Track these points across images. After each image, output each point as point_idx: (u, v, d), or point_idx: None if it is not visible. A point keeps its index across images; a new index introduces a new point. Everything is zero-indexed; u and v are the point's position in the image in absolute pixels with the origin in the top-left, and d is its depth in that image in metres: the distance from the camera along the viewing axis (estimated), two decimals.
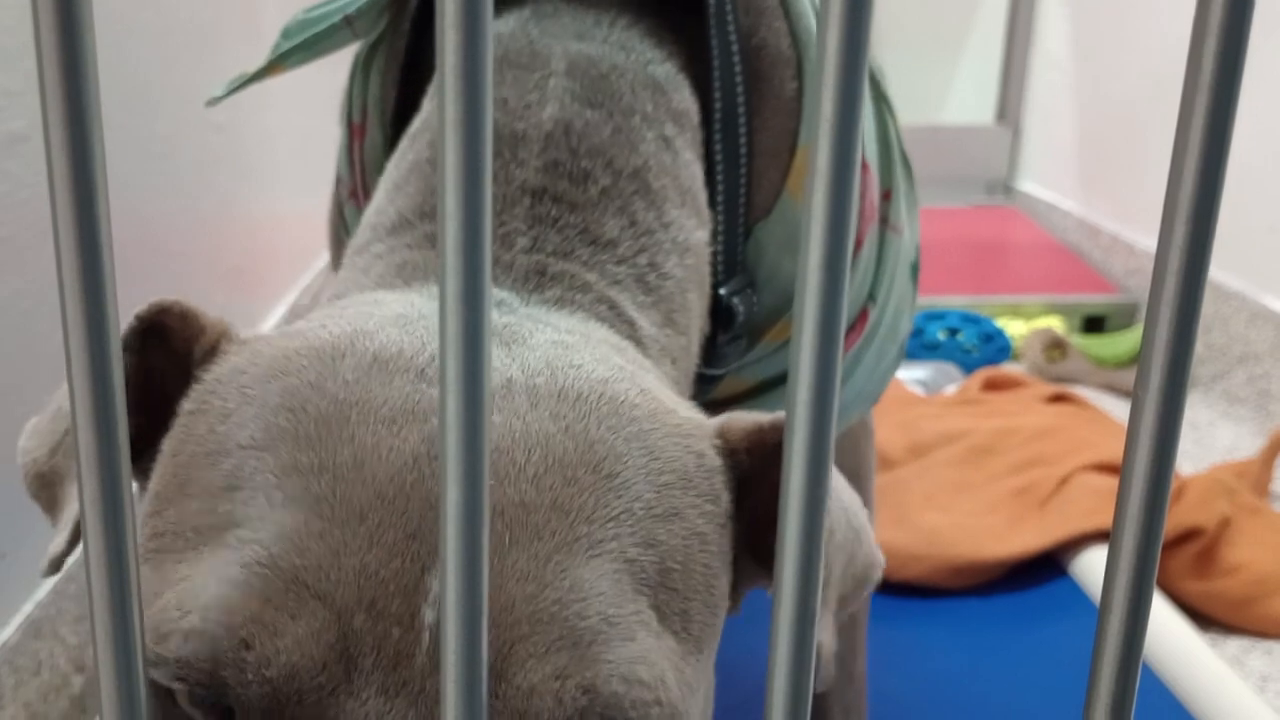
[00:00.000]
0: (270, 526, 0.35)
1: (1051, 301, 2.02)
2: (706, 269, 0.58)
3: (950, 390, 1.69)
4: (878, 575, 0.51)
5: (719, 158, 0.58)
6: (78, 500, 0.29)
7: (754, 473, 0.43)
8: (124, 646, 0.24)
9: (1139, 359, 0.24)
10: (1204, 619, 1.18)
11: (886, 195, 0.69)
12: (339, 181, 0.73)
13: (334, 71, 0.88)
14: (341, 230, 0.72)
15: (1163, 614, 1.10)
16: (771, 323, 0.62)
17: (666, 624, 0.38)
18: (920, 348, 1.86)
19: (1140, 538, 0.24)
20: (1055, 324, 1.94)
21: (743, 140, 0.59)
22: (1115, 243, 2.21)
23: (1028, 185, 2.75)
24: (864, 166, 0.66)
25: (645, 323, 0.52)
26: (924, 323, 1.91)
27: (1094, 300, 2.04)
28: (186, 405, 0.42)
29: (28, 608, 0.94)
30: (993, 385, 1.63)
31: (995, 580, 1.19)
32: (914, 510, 1.26)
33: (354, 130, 0.69)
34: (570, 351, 0.43)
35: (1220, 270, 1.85)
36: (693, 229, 0.56)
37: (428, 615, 0.34)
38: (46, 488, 0.48)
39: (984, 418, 1.47)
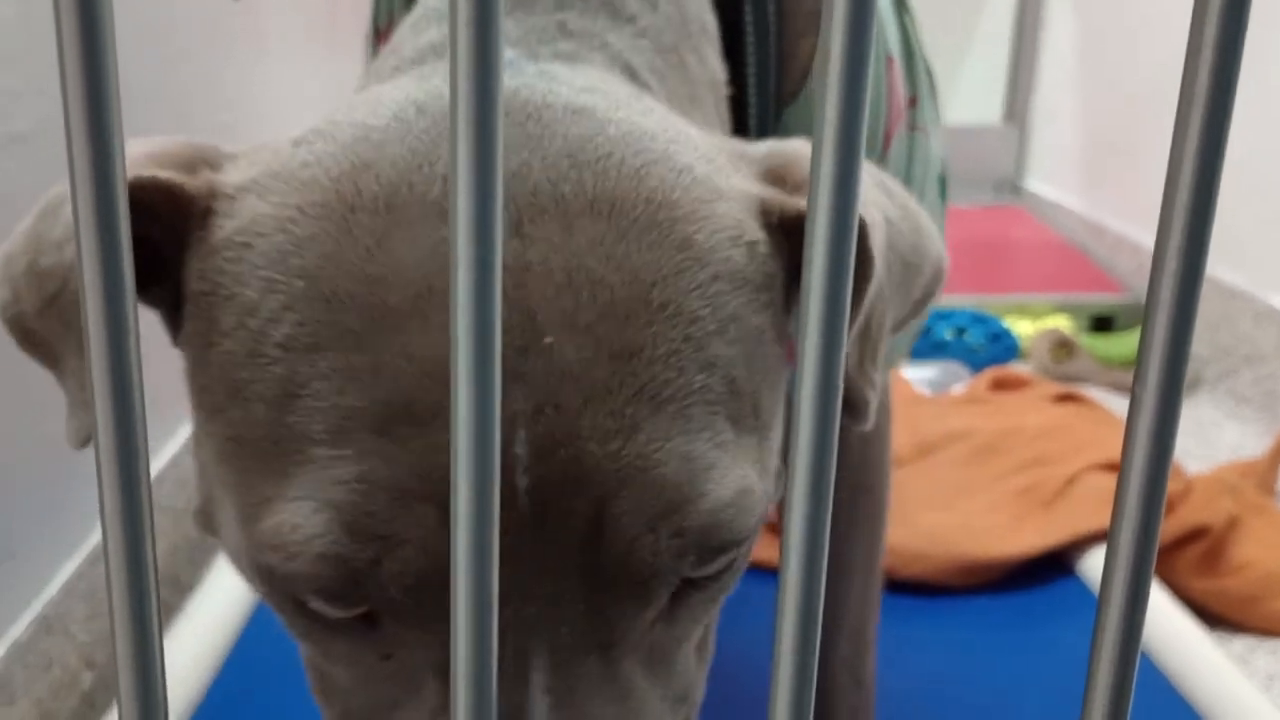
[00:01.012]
0: (351, 442, 0.35)
1: (1059, 301, 2.02)
2: (726, 113, 0.56)
3: (957, 389, 1.69)
4: (944, 278, 0.50)
5: (750, 32, 0.57)
6: (87, 385, 0.27)
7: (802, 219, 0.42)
8: (142, 638, 0.24)
9: (1139, 355, 0.24)
10: (1210, 617, 1.18)
11: (912, 101, 0.68)
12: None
13: (337, 73, 0.88)
14: None
15: (1169, 612, 1.10)
16: None
17: (741, 427, 0.39)
18: (927, 347, 1.86)
19: (1138, 531, 0.24)
20: (1063, 323, 1.94)
21: (772, 16, 0.58)
22: (1122, 242, 2.21)
23: (1035, 185, 2.75)
24: (889, 61, 0.65)
25: (664, 94, 0.50)
26: (931, 322, 1.91)
27: (1101, 300, 2.04)
28: (196, 282, 0.39)
29: (38, 605, 0.94)
30: (1000, 385, 1.63)
31: (1000, 580, 1.19)
32: (918, 509, 1.26)
33: (380, 37, 0.68)
34: (594, 127, 0.40)
35: (1226, 270, 1.84)
36: (712, 57, 0.54)
37: (521, 481, 0.35)
38: (37, 345, 0.45)
39: (990, 417, 1.47)
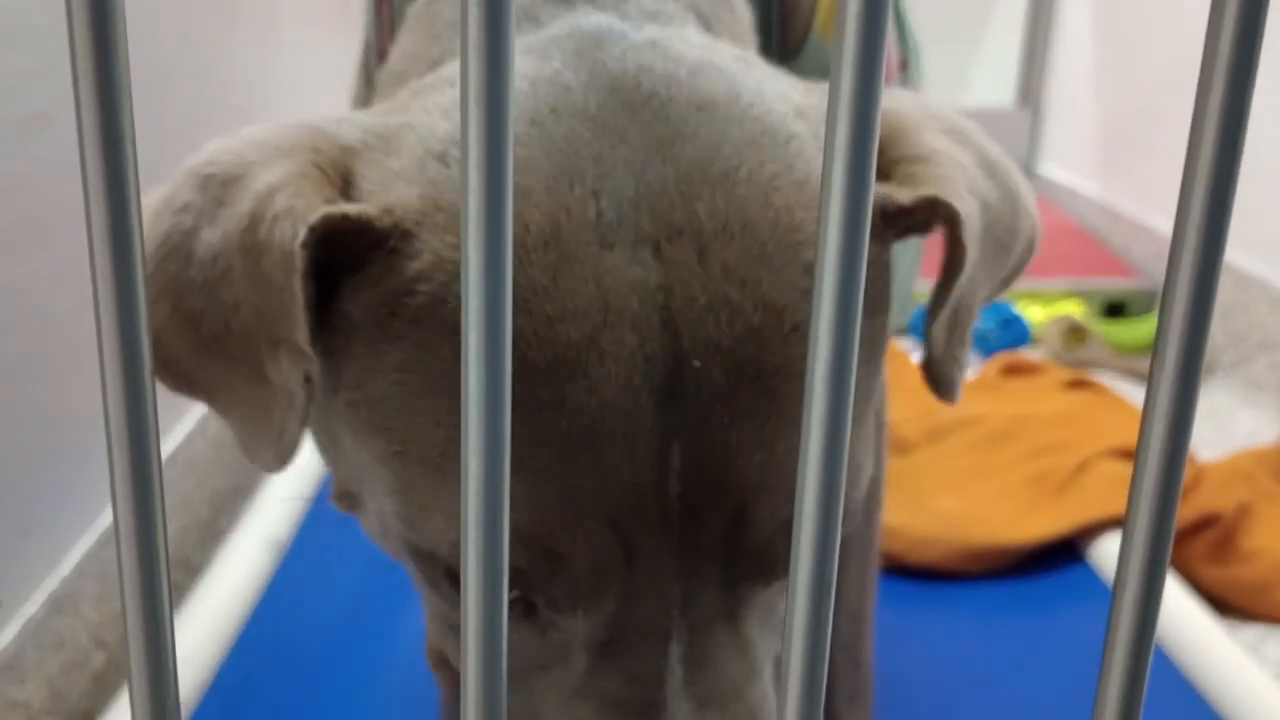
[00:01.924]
0: (528, 468, 0.38)
1: (1071, 286, 2.01)
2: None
3: (968, 375, 1.69)
4: (1036, 248, 0.51)
5: None
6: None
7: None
8: (153, 619, 0.24)
9: (1156, 341, 0.24)
10: (1222, 605, 1.18)
11: (903, 64, 0.69)
12: (367, 48, 0.71)
13: (352, 54, 0.87)
14: (366, 93, 0.70)
15: (1180, 600, 1.10)
16: None
17: (858, 425, 0.44)
18: None
19: (1154, 515, 0.24)
20: (1075, 309, 1.93)
21: None
22: (1136, 227, 2.20)
23: (1048, 169, 2.73)
24: None
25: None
26: None
27: (1115, 285, 2.03)
28: (366, 312, 0.41)
29: (50, 584, 0.95)
30: (1011, 371, 1.62)
31: (1011, 566, 1.19)
32: (929, 495, 1.26)
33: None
34: (720, 130, 0.41)
35: (1242, 256, 1.83)
36: (740, 5, 0.56)
37: (674, 488, 0.39)
38: (190, 384, 0.46)
39: (1001, 403, 1.47)
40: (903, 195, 0.43)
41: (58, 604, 0.95)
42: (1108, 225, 2.33)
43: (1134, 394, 1.68)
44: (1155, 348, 0.24)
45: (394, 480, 0.42)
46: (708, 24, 0.52)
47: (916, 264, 0.81)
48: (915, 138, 0.45)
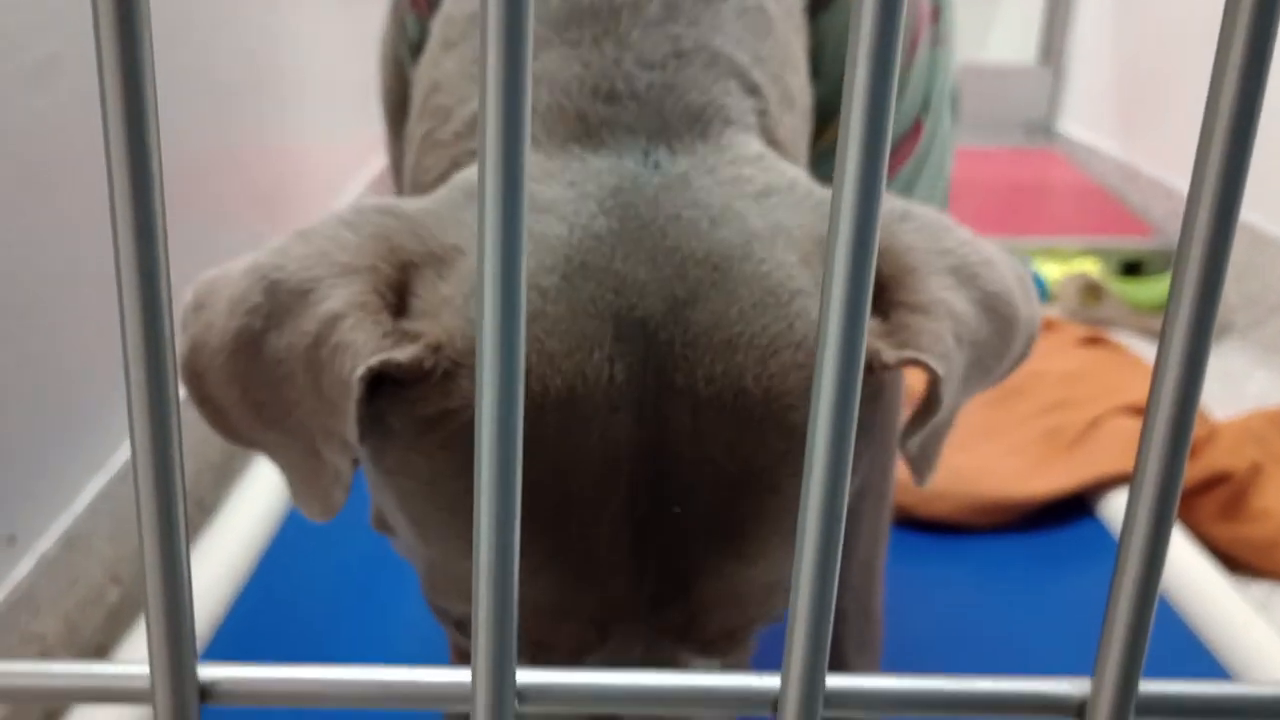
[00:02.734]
0: (531, 583, 0.45)
1: (1088, 244, 2.00)
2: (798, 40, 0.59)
3: None
4: (1032, 347, 0.54)
5: None
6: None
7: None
8: (170, 553, 0.24)
9: (1169, 296, 0.23)
10: (1231, 562, 1.18)
11: (935, 13, 0.69)
12: (396, 4, 0.72)
13: (358, 19, 0.87)
14: (402, 48, 0.70)
15: (1190, 557, 1.10)
16: (827, 123, 0.62)
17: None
18: None
19: (1162, 468, 0.24)
20: (1092, 267, 1.92)
21: None
22: (1155, 186, 2.18)
23: (1068, 127, 2.71)
24: None
25: (771, 94, 0.54)
26: None
27: (1132, 244, 2.01)
28: (404, 423, 0.46)
29: (65, 521, 0.95)
30: None
31: (1021, 520, 1.19)
32: None
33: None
34: (730, 293, 0.45)
35: (1258, 217, 1.82)
36: None
37: (645, 593, 0.45)
38: (253, 445, 0.51)
39: None
40: (889, 355, 0.46)
41: (72, 541, 0.96)
42: (1126, 184, 2.31)
43: (1149, 352, 1.67)
44: (1169, 303, 0.23)
45: (419, 552, 0.49)
46: (766, 123, 0.54)
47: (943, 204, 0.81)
48: (917, 284, 0.48)
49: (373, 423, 0.46)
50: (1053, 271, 1.91)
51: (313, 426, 0.46)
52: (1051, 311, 1.79)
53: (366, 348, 0.43)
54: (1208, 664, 0.97)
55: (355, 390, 0.43)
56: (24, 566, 0.90)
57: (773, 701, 0.22)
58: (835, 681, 0.22)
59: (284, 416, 0.47)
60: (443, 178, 0.54)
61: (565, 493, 0.43)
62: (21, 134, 0.89)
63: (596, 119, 0.50)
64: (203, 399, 0.49)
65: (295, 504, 0.49)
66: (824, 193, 0.50)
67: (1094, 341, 1.51)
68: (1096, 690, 0.22)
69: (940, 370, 0.46)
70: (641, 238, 0.46)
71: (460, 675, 0.23)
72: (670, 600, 0.45)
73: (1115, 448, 1.23)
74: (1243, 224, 1.84)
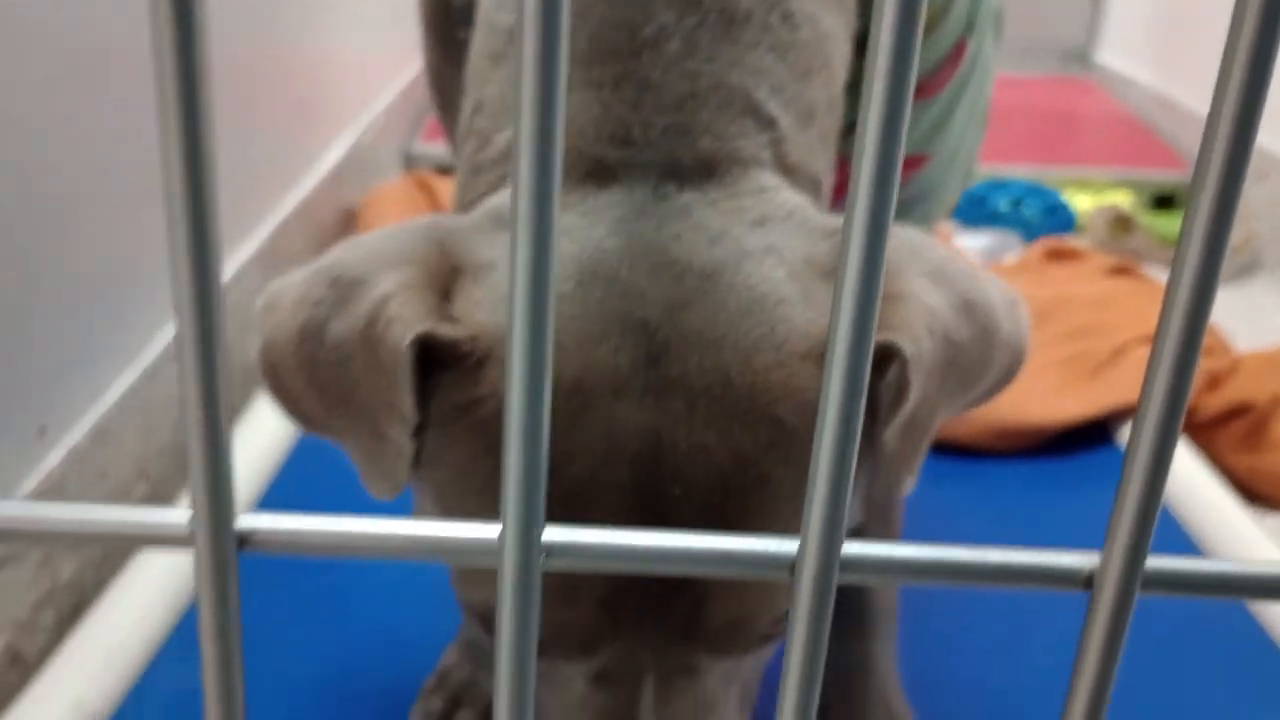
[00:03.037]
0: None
1: (1121, 176, 1.98)
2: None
3: (1010, 259, 1.67)
4: (1020, 367, 0.56)
5: None
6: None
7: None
8: (213, 429, 0.25)
9: (1185, 215, 0.24)
10: (1250, 493, 1.18)
11: None
12: None
13: None
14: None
15: (1207, 485, 1.11)
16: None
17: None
18: (982, 217, 1.84)
19: (1170, 383, 0.24)
20: (1123, 199, 1.90)
21: None
22: (1191, 118, 2.15)
23: (1105, 56, 2.66)
24: None
25: (786, 121, 0.57)
26: (987, 192, 1.88)
27: (1164, 177, 1.99)
28: (440, 411, 0.50)
29: (94, 416, 0.97)
30: (1054, 256, 1.61)
31: (1040, 446, 1.20)
32: None
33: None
34: (719, 300, 0.49)
35: None
36: None
37: (648, 583, 0.48)
38: (322, 429, 0.54)
39: (1042, 286, 1.46)
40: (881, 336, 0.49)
41: (101, 434, 0.98)
42: (1162, 115, 2.27)
43: None
44: (1183, 225, 0.23)
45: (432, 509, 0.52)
46: (779, 150, 0.57)
47: (977, 144, 0.81)
48: (891, 281, 0.51)
49: (419, 413, 0.50)
50: (1083, 202, 1.89)
51: (374, 405, 0.50)
52: (1080, 243, 1.78)
53: (415, 319, 0.48)
54: (1246, 621, 0.98)
55: (407, 357, 0.47)
56: (54, 457, 0.92)
57: (790, 565, 0.23)
58: (852, 548, 0.23)
59: (348, 399, 0.51)
60: (482, 199, 0.59)
61: (573, 475, 0.47)
62: (66, 24, 0.89)
63: (612, 160, 0.54)
64: (277, 389, 0.53)
65: (365, 485, 0.52)
66: (819, 220, 0.54)
67: (1122, 271, 1.50)
68: (1105, 563, 0.23)
69: (908, 350, 0.48)
70: (645, 253, 0.51)
71: (490, 531, 0.23)
72: (673, 586, 0.49)
73: (1137, 376, 1.23)
74: (1276, 160, 1.82)
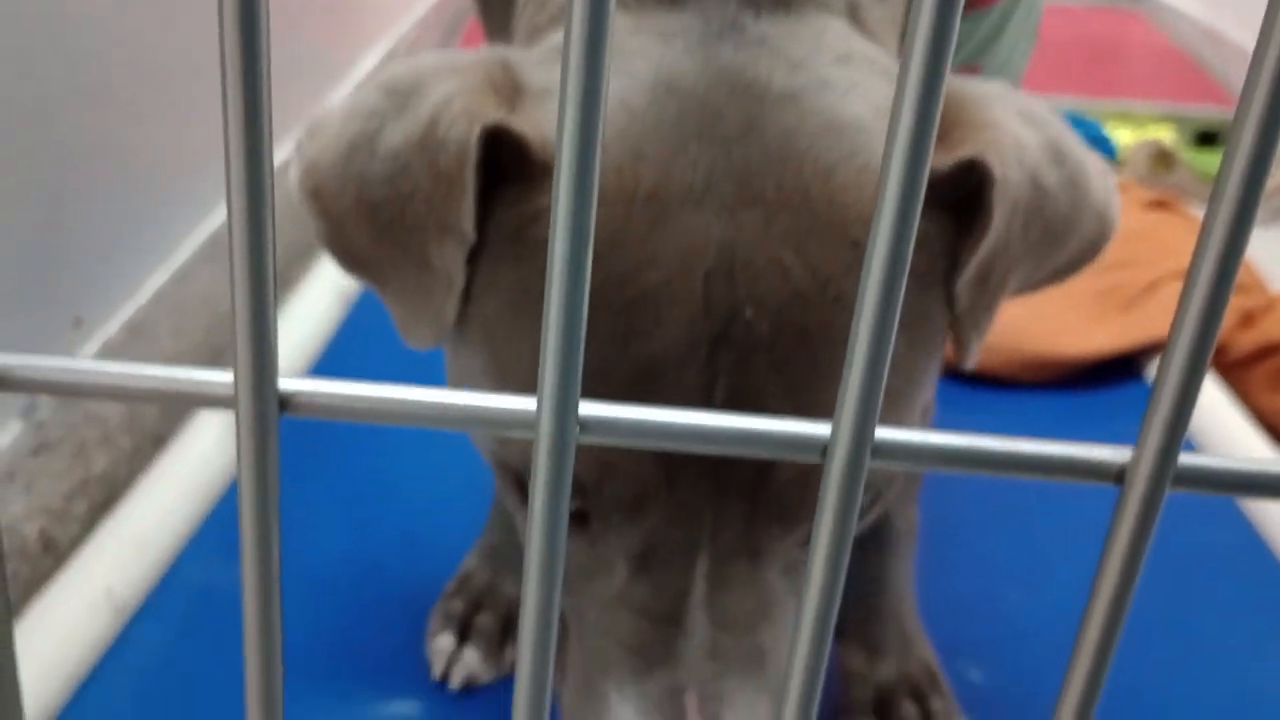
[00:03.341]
0: (593, 388, 0.45)
1: (1165, 110, 1.95)
2: None
3: None
4: (1104, 246, 0.53)
5: None
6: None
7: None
8: (260, 305, 0.25)
9: (1225, 147, 0.23)
10: (1278, 433, 1.18)
11: None
12: None
13: None
14: None
15: (1236, 425, 1.10)
16: None
17: (894, 395, 0.48)
18: None
19: (1201, 316, 0.24)
20: (1166, 134, 1.87)
21: None
22: (1239, 54, 2.11)
23: None
24: None
25: None
26: None
27: (1209, 113, 1.96)
28: (500, 230, 0.47)
29: (128, 311, 0.98)
30: None
31: (1068, 378, 1.19)
32: None
33: None
34: (798, 119, 0.47)
35: None
36: None
37: (718, 397, 0.45)
38: (364, 267, 0.51)
39: None
40: (940, 161, 0.46)
41: (135, 330, 0.99)
42: (1210, 50, 2.23)
43: None
44: (1224, 156, 0.23)
45: (487, 381, 0.49)
46: (856, 13, 0.55)
47: (1025, 61, 0.80)
48: (976, 111, 0.48)
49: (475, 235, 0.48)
50: (1125, 136, 1.86)
51: (427, 224, 0.47)
52: (1120, 177, 1.75)
53: (485, 113, 0.46)
54: (1245, 531, 0.98)
55: (474, 152, 0.45)
56: (89, 349, 0.93)
57: (822, 449, 0.23)
58: (884, 433, 0.23)
59: (397, 220, 0.48)
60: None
61: (645, 284, 0.45)
62: None
63: None
64: (321, 214, 0.50)
65: (403, 335, 0.50)
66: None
67: (1161, 205, 1.49)
68: (1137, 458, 0.23)
69: (995, 170, 0.45)
70: (722, 74, 0.48)
71: (527, 403, 0.24)
72: None
73: (1169, 312, 1.22)
74: None
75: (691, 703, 0.46)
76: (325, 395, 0.24)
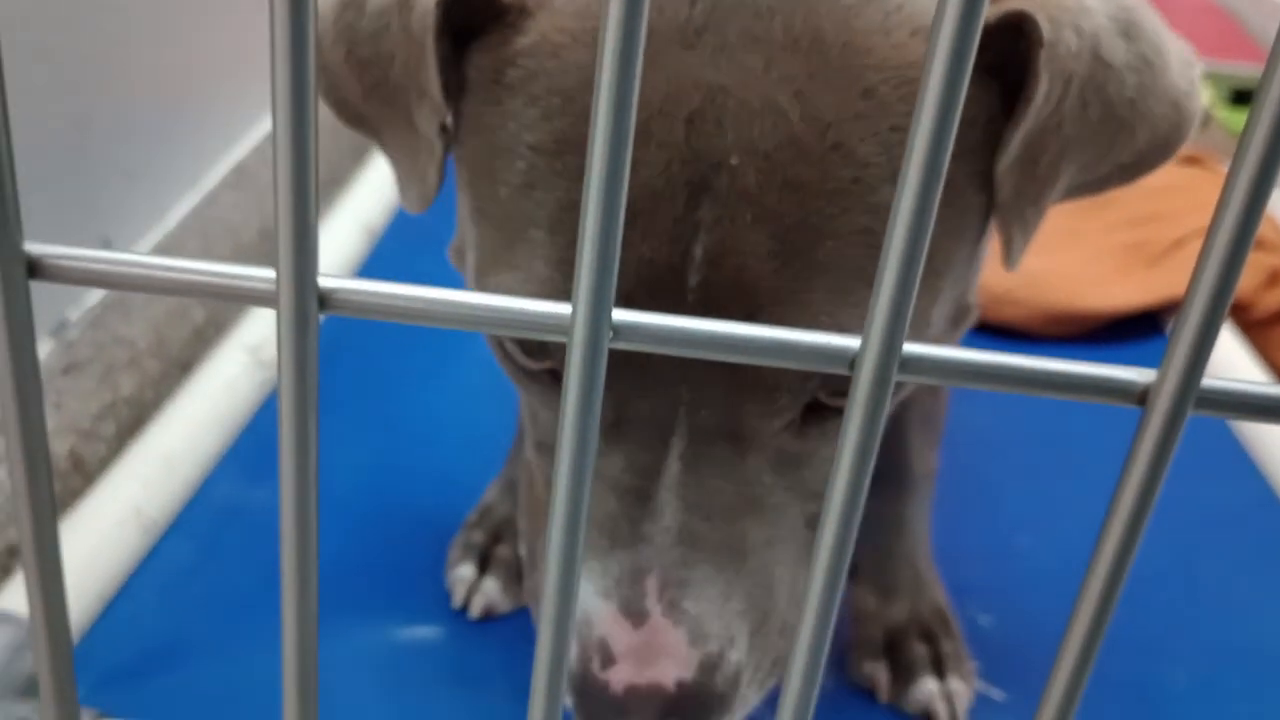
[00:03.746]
0: (565, 231, 0.43)
1: (1202, 68, 1.92)
2: None
3: None
4: (1177, 145, 0.49)
5: None
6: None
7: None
8: (301, 215, 0.25)
9: (1253, 100, 0.23)
10: None
11: None
12: None
13: None
14: None
15: (1255, 379, 1.10)
16: None
17: (948, 224, 0.45)
18: None
19: (1220, 270, 0.24)
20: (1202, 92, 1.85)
21: None
22: None
23: None
24: None
25: None
26: None
27: (1245, 71, 1.93)
28: (478, 74, 0.46)
29: (156, 234, 0.99)
30: None
31: (1088, 332, 1.19)
32: None
33: None
34: None
35: None
36: None
37: (692, 278, 0.42)
38: (361, 122, 0.52)
39: None
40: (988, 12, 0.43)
41: (163, 252, 0.99)
42: (1251, 7, 2.20)
43: None
44: (1250, 108, 0.23)
45: (476, 236, 0.48)
46: None
47: None
48: None
49: (457, 91, 0.47)
50: None
51: (407, 86, 0.47)
52: None
53: None
54: (1254, 478, 0.98)
55: (433, 20, 0.44)
56: None
57: (850, 361, 0.24)
58: (912, 348, 0.24)
59: (383, 79, 0.48)
60: None
61: None
62: None
63: None
64: (319, 69, 0.49)
65: (400, 196, 0.50)
66: None
67: (1192, 161, 1.47)
68: (1160, 380, 0.23)
69: (1044, 29, 0.41)
70: None
71: (561, 308, 0.24)
72: (719, 283, 0.42)
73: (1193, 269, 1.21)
74: None
75: (652, 586, 0.42)
76: (364, 293, 0.24)
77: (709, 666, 0.42)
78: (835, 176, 0.41)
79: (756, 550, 0.44)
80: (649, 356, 0.41)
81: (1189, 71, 0.49)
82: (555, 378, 0.47)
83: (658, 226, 0.41)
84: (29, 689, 0.68)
